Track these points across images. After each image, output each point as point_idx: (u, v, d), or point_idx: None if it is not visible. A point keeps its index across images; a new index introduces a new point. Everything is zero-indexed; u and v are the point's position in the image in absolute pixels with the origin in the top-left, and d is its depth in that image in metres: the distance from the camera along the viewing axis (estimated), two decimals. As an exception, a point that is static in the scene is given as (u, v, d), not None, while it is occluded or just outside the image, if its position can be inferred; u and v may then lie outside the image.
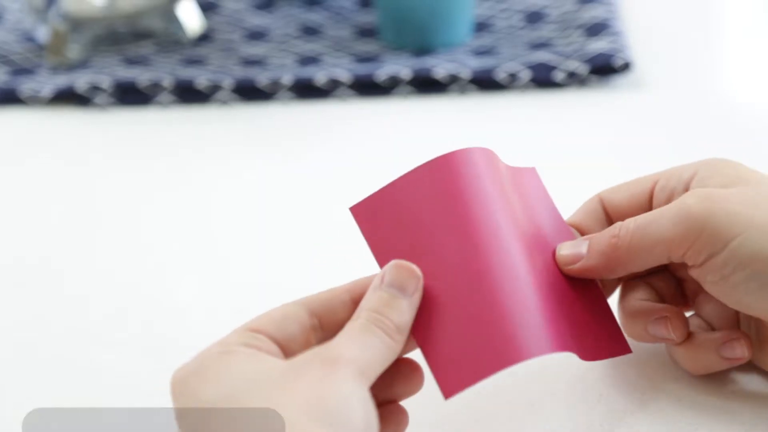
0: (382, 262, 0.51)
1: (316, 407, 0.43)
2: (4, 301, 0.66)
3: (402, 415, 0.50)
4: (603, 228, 0.54)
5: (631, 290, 0.55)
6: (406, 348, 0.49)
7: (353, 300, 0.49)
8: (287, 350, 0.47)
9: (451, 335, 0.48)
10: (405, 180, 0.52)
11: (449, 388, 0.47)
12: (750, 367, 0.55)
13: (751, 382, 0.55)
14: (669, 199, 0.53)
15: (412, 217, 0.51)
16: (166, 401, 0.46)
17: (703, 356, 0.53)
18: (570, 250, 0.53)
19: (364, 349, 0.46)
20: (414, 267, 0.49)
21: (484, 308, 0.48)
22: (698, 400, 0.54)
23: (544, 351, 0.48)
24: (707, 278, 0.50)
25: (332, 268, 0.66)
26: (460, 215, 0.50)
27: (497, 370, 0.47)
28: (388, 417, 0.49)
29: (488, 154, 0.53)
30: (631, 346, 0.54)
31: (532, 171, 0.57)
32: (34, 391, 0.58)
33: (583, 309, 0.52)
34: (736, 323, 0.54)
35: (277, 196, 0.75)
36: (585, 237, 0.53)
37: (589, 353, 0.51)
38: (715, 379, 0.55)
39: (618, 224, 0.52)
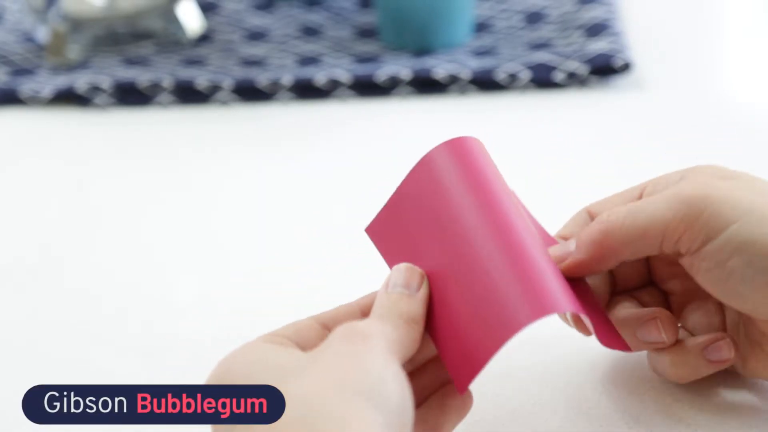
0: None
1: (353, 382, 0.42)
2: (4, 301, 0.66)
3: (467, 399, 0.50)
4: None
5: (618, 303, 0.54)
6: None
7: (363, 314, 0.49)
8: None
9: (458, 328, 0.48)
10: (405, 185, 0.53)
11: (461, 382, 0.47)
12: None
13: (751, 387, 0.55)
14: None
15: (418, 218, 0.52)
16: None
17: (690, 361, 0.52)
18: (558, 250, 0.52)
19: (386, 328, 0.46)
20: (415, 267, 0.49)
21: (495, 280, 0.48)
22: (697, 400, 0.54)
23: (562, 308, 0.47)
24: (702, 265, 0.49)
25: (332, 268, 0.66)
26: (466, 203, 0.50)
27: (503, 342, 0.46)
28: (445, 401, 0.49)
29: (480, 144, 0.53)
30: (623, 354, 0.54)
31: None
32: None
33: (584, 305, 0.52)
34: (723, 331, 0.53)
35: (278, 196, 0.74)
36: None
37: (601, 336, 0.51)
38: (715, 379, 0.55)
39: (607, 212, 0.51)
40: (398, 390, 0.43)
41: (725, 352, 0.51)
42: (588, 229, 0.51)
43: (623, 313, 0.53)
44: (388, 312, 0.47)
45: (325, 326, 0.48)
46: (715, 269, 0.48)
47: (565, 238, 0.54)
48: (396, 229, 0.52)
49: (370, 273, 0.54)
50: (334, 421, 0.41)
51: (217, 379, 0.45)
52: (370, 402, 0.42)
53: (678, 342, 0.52)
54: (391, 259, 0.52)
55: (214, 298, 0.65)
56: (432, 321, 0.49)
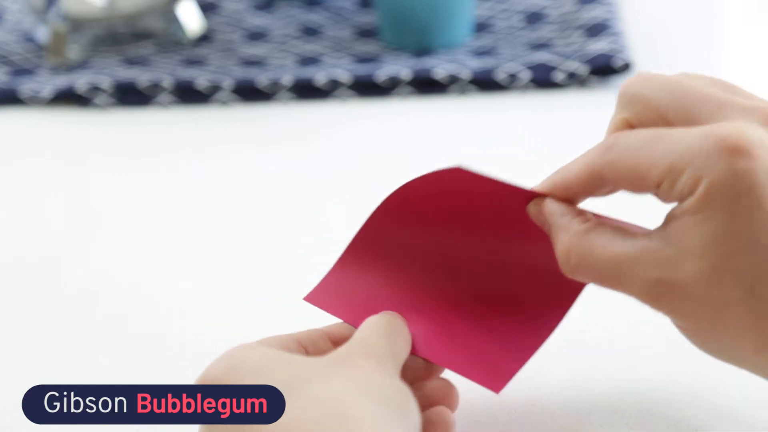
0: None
1: (377, 393, 0.44)
2: (4, 300, 0.66)
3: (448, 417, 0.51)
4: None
5: None
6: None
7: (332, 340, 0.51)
8: None
9: (466, 346, 0.51)
10: (344, 259, 0.55)
11: (495, 383, 0.50)
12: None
13: (752, 385, 0.55)
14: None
15: (366, 283, 0.54)
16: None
17: None
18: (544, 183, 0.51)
19: (390, 345, 0.48)
20: (389, 313, 0.51)
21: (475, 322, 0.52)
22: (698, 401, 0.54)
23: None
24: None
25: (332, 268, 0.66)
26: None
27: (534, 351, 0.51)
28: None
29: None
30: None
31: (457, 171, 0.48)
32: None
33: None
34: None
35: (277, 196, 0.75)
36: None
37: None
38: (715, 381, 0.55)
39: (616, 136, 0.48)
40: (414, 409, 0.45)
41: None
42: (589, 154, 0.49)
43: None
44: (386, 330, 0.49)
45: (300, 344, 0.49)
46: None
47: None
48: (350, 285, 0.54)
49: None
50: (364, 421, 0.42)
51: (222, 374, 0.45)
52: (394, 411, 0.44)
53: None
54: (349, 318, 0.52)
55: (215, 298, 0.65)
56: (425, 347, 0.51)
